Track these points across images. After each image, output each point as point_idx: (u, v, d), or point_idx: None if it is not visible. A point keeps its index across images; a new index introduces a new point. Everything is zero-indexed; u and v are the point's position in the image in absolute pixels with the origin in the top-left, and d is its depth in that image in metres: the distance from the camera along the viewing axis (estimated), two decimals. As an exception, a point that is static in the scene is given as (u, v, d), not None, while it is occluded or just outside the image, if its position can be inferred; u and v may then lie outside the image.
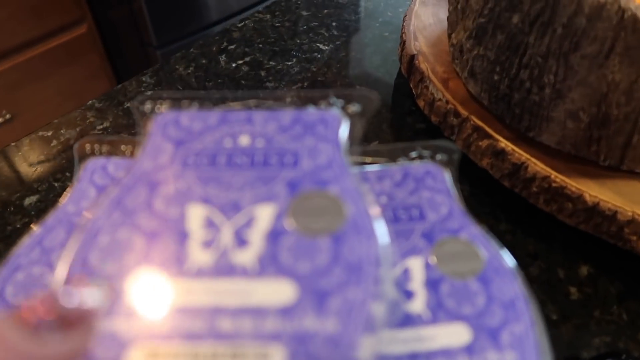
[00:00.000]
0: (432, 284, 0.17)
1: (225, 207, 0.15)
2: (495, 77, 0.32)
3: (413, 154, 0.21)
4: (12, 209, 0.36)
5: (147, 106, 0.19)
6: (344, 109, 0.18)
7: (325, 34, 0.52)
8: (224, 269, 0.14)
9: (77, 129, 0.42)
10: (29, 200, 0.36)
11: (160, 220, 0.15)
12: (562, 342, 0.28)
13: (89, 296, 0.12)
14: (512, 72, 0.31)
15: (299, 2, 0.57)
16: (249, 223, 0.15)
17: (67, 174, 0.38)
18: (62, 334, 0.11)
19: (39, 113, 1.18)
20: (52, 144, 0.41)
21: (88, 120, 0.43)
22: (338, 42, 0.50)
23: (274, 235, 0.15)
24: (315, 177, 0.16)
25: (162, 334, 0.13)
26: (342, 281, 0.14)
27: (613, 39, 0.25)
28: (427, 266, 0.17)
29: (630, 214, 0.28)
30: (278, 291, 0.13)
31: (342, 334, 0.13)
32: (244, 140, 0.17)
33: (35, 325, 0.11)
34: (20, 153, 0.40)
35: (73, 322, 0.11)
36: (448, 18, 0.39)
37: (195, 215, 0.15)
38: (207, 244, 0.15)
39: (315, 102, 0.19)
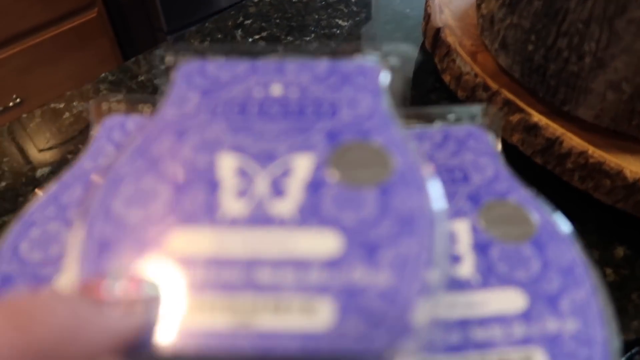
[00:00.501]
0: (481, 248, 0.15)
1: (258, 156, 0.14)
2: (530, 48, 0.31)
3: (451, 117, 0.20)
4: (24, 180, 0.35)
5: (170, 58, 0.18)
6: (381, 62, 0.17)
7: (345, 9, 0.50)
8: (260, 218, 0.13)
9: (90, 102, 0.41)
10: (41, 172, 0.35)
11: (188, 168, 0.14)
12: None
13: (149, 287, 0.12)
14: (548, 41, 0.29)
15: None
16: (285, 173, 0.14)
17: (80, 146, 0.37)
18: (125, 311, 0.11)
19: (49, 97, 1.17)
20: (64, 116, 0.40)
21: (101, 93, 0.42)
22: (358, 18, 0.49)
23: (314, 186, 0.13)
24: (356, 128, 0.15)
25: (195, 286, 0.12)
26: (393, 233, 0.12)
27: (665, 0, 0.24)
28: (474, 229, 0.16)
29: (674, 191, 0.27)
30: (322, 242, 0.12)
31: (396, 289, 0.11)
32: (276, 90, 0.16)
33: (101, 299, 0.11)
34: (32, 125, 0.39)
35: (134, 302, 0.12)
36: (477, -12, 0.37)
37: (226, 164, 0.14)
38: (241, 194, 0.13)
39: (350, 55, 0.18)
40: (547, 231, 0.16)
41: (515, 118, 0.32)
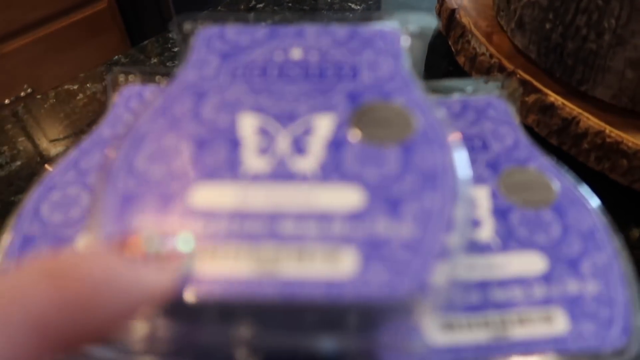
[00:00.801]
0: (501, 213, 0.15)
1: (279, 116, 0.14)
2: (547, 26, 0.30)
3: (469, 89, 0.20)
4: (38, 159, 0.35)
5: (188, 26, 0.18)
6: (401, 27, 0.17)
7: (358, -7, 0.50)
8: (282, 174, 0.13)
9: (103, 84, 0.41)
10: (55, 151, 0.35)
11: (209, 127, 0.14)
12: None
13: (180, 242, 0.12)
14: (567, 18, 0.29)
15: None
16: (307, 132, 0.14)
17: (94, 127, 0.37)
18: (159, 266, 0.11)
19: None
20: (78, 97, 0.40)
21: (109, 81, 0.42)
22: (370, 2, 0.48)
23: (336, 144, 0.13)
24: (377, 89, 0.15)
25: (219, 237, 0.12)
26: (416, 188, 0.12)
27: (688, -27, 0.23)
28: (494, 195, 0.16)
29: (692, 170, 0.26)
30: (344, 197, 0.12)
31: (420, 240, 0.11)
32: (296, 54, 0.16)
33: (135, 255, 0.11)
34: (46, 106, 0.40)
35: (166, 259, 0.12)
36: (493, -31, 0.36)
37: (247, 123, 0.14)
38: (262, 151, 0.13)
39: (370, 22, 0.17)
40: (567, 197, 0.16)
41: (531, 99, 0.31)
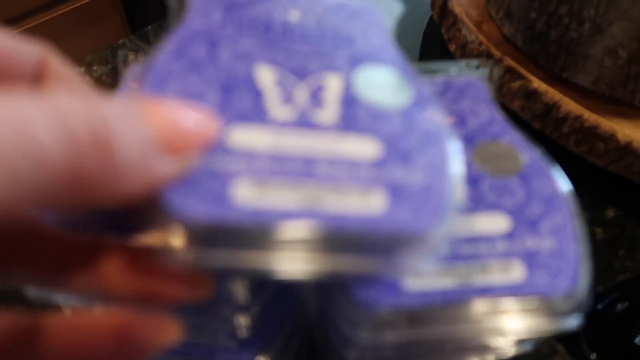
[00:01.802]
0: (473, 180, 0.17)
1: (294, 70, 0.15)
2: (532, 15, 0.32)
3: (453, 70, 0.22)
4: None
5: None
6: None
7: (355, -18, 0.51)
8: (307, 124, 0.14)
9: (109, 66, 0.43)
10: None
11: (230, 75, 0.14)
12: (585, 278, 0.29)
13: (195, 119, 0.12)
14: (550, 8, 0.30)
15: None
16: (320, 88, 0.15)
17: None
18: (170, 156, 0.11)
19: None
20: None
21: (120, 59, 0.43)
22: (368, -10, 0.50)
23: (348, 101, 0.15)
24: (373, 57, 0.16)
25: (264, 172, 0.13)
26: (420, 143, 0.14)
27: (661, -34, 0.25)
28: (469, 164, 0.18)
29: (663, 153, 0.28)
30: (364, 147, 0.14)
31: (432, 184, 0.13)
32: (294, 16, 0.16)
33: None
34: (53, 86, 0.41)
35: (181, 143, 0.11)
36: (485, -41, 0.38)
37: (265, 75, 0.14)
38: (285, 101, 0.14)
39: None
40: (533, 167, 0.18)
41: (516, 85, 0.33)
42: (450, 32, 0.39)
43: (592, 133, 0.30)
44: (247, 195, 0.12)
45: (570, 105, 0.31)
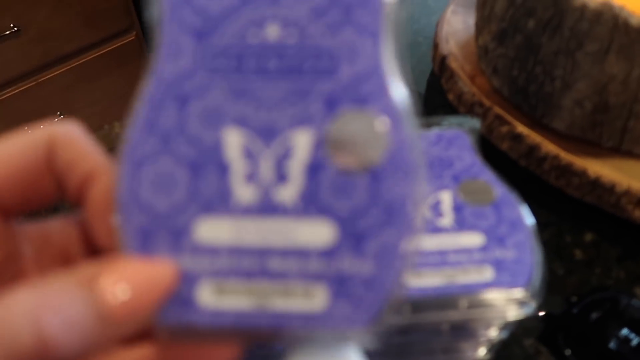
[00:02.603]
0: (458, 209, 0.23)
1: (261, 132, 0.14)
2: (515, 73, 0.39)
3: (445, 124, 0.28)
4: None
5: None
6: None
7: (366, 38, 0.58)
8: (268, 207, 0.14)
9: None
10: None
11: (198, 148, 0.14)
12: (566, 292, 0.34)
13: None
14: (528, 67, 0.37)
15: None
16: (287, 154, 0.14)
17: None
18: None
19: (89, 114, 1.27)
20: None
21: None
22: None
23: (314, 169, 0.14)
24: (353, 92, 0.14)
25: (223, 272, 0.14)
26: (379, 223, 0.14)
27: (610, 39, 0.31)
28: (454, 197, 0.24)
29: (626, 186, 0.34)
30: (319, 233, 0.14)
31: (377, 277, 0.14)
32: (273, 32, 0.15)
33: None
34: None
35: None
36: (475, 23, 0.45)
37: (233, 142, 0.14)
38: (249, 178, 0.14)
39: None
40: (503, 199, 0.24)
41: (504, 129, 0.39)
42: (448, 84, 0.45)
43: (567, 169, 0.36)
44: (208, 298, 0.14)
45: (548, 147, 0.37)
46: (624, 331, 0.31)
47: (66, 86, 1.21)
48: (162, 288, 0.14)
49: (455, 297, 0.20)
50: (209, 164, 0.14)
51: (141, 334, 0.14)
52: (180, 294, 0.14)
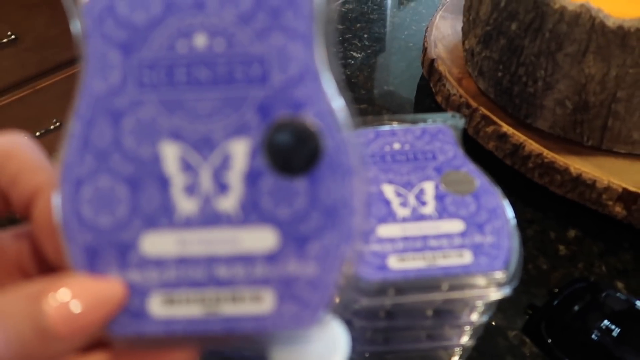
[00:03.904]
0: (440, 198, 0.24)
1: (198, 144, 0.14)
2: (499, 74, 0.40)
3: (429, 120, 0.29)
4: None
5: None
6: None
7: (358, 44, 0.60)
8: (210, 217, 0.14)
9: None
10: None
11: (136, 163, 0.14)
12: (550, 285, 0.35)
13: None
14: (512, 69, 0.38)
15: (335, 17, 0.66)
16: (225, 164, 0.14)
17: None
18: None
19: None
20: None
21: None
22: (369, 51, 0.59)
23: (252, 177, 0.14)
24: (287, 98, 0.14)
25: (171, 283, 0.14)
26: (318, 227, 0.14)
27: (587, 40, 0.32)
28: (437, 187, 0.25)
29: (606, 182, 0.35)
30: (262, 238, 0.14)
31: (320, 278, 0.14)
32: (201, 42, 0.14)
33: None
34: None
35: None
36: (462, 28, 0.46)
37: (170, 155, 0.14)
38: (190, 190, 0.14)
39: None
40: (483, 189, 0.25)
41: (490, 129, 0.41)
42: (437, 86, 0.47)
43: (550, 167, 0.37)
44: (159, 308, 0.14)
45: (532, 145, 0.38)
46: (605, 322, 0.32)
47: (62, 94, 1.22)
48: (110, 304, 0.14)
49: (437, 279, 0.21)
50: (148, 179, 0.14)
51: (99, 342, 0.14)
52: (131, 306, 0.14)
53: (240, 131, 0.14)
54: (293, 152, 0.14)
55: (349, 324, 0.24)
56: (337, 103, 0.14)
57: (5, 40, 1.07)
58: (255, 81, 0.14)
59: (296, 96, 0.14)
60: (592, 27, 0.32)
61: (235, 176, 0.14)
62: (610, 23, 0.31)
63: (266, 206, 0.14)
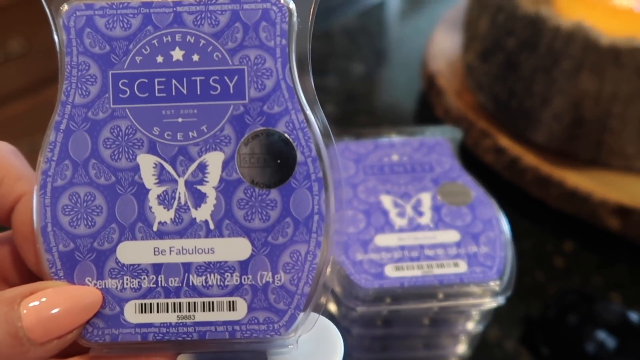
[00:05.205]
0: (436, 209, 0.25)
1: (174, 157, 0.15)
2: (497, 89, 0.41)
3: (428, 132, 0.30)
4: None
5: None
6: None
7: (359, 57, 0.61)
8: (185, 228, 0.15)
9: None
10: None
11: (114, 175, 0.15)
12: (546, 297, 0.35)
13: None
14: (509, 84, 0.39)
15: (338, 31, 0.67)
16: (200, 176, 0.15)
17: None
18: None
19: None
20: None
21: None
22: (370, 64, 0.60)
23: (226, 188, 0.15)
24: (260, 112, 0.15)
25: (147, 291, 0.15)
26: (290, 237, 0.15)
27: (582, 57, 0.33)
28: (433, 198, 0.25)
29: (602, 195, 0.36)
30: (235, 248, 0.15)
31: (291, 287, 0.15)
32: (178, 57, 0.15)
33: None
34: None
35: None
36: (462, 43, 0.47)
37: (147, 168, 0.15)
38: (166, 202, 0.15)
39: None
40: (479, 200, 0.25)
41: (488, 142, 0.41)
42: (437, 100, 0.47)
43: (546, 181, 0.38)
44: (134, 316, 0.15)
45: (529, 159, 0.39)
46: (600, 333, 0.32)
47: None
48: (86, 310, 0.14)
49: (432, 288, 0.22)
50: (125, 190, 0.15)
51: (76, 349, 0.15)
52: (107, 313, 0.15)
53: (215, 144, 0.15)
54: (266, 165, 0.15)
55: (346, 331, 0.24)
56: (311, 117, 0.15)
57: (15, 50, 1.09)
58: (231, 96, 0.15)
59: (270, 111, 0.15)
60: (586, 44, 0.33)
61: (210, 188, 0.15)
62: (603, 41, 0.32)
63: (240, 217, 0.15)
